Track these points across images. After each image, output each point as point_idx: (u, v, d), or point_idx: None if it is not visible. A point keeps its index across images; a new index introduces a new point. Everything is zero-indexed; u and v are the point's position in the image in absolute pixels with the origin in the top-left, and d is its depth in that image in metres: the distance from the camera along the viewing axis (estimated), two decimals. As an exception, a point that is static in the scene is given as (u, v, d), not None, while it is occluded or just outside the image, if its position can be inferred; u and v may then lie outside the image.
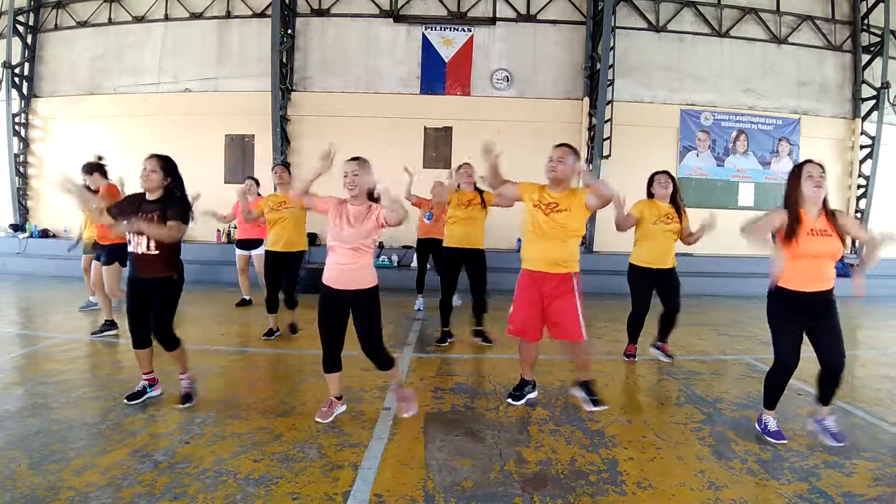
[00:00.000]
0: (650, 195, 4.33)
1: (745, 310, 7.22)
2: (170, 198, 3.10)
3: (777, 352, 2.85)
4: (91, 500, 2.13)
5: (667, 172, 4.32)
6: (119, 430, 2.81)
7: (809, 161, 2.79)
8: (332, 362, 3.00)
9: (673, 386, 3.87)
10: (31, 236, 9.82)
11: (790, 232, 2.70)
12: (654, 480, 2.43)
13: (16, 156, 10.13)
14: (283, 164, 4.94)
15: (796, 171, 2.79)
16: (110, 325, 4.86)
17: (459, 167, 4.92)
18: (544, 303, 3.19)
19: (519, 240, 9.24)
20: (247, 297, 6.60)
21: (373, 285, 2.94)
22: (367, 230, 2.86)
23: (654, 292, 4.33)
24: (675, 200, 4.25)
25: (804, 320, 2.78)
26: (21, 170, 10.25)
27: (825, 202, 2.78)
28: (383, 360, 3.02)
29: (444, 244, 4.83)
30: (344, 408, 3.14)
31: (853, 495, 2.33)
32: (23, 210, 10.28)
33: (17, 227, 10.03)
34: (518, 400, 3.38)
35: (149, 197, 3.10)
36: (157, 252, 3.05)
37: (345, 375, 3.96)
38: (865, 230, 2.93)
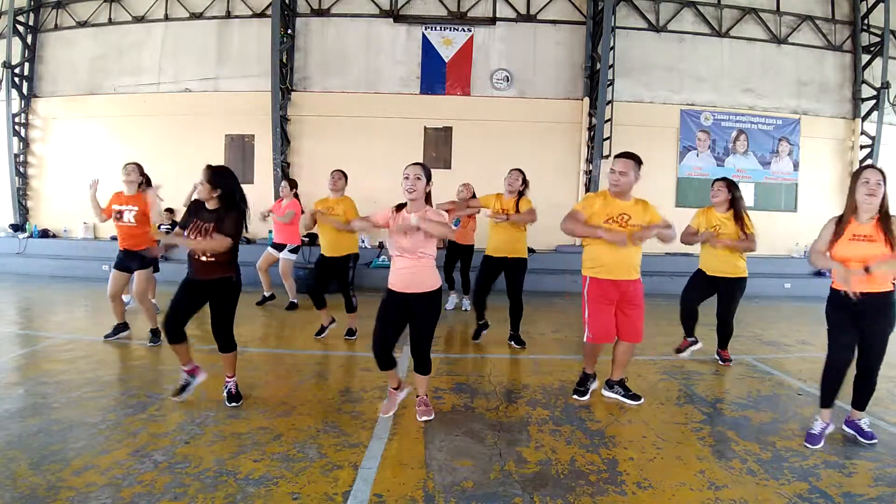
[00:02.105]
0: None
1: (745, 310, 7.19)
2: (227, 210, 3.10)
3: (828, 348, 2.88)
4: (91, 500, 2.13)
5: (723, 179, 4.27)
6: (119, 430, 2.81)
7: (869, 167, 2.80)
8: (385, 361, 3.02)
9: (673, 386, 3.87)
10: (31, 236, 9.81)
11: (834, 238, 2.77)
12: (654, 480, 2.43)
13: (16, 156, 10.11)
14: (338, 170, 4.89)
15: (855, 177, 2.79)
16: (123, 327, 4.78)
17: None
18: (618, 306, 3.32)
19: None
20: (267, 294, 6.58)
21: (433, 288, 2.95)
22: (422, 237, 2.84)
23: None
24: (736, 207, 4.16)
25: (855, 319, 2.78)
26: (21, 170, 10.23)
27: (883, 208, 2.71)
28: (425, 363, 3.05)
29: (486, 252, 4.77)
30: (405, 392, 3.20)
31: (853, 495, 2.33)
32: (23, 210, 10.27)
33: (17, 227, 10.02)
34: (584, 395, 3.46)
35: (209, 206, 3.12)
36: (213, 258, 3.11)
37: (344, 375, 3.99)
38: None
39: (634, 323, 3.35)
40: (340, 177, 4.87)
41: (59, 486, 2.22)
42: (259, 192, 8.89)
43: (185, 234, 3.12)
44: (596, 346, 3.46)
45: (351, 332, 4.95)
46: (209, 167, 3.13)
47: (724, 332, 4.43)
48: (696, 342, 4.54)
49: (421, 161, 2.99)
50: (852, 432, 2.96)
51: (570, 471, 2.50)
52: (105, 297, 4.75)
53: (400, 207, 2.96)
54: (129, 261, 4.55)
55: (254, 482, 2.31)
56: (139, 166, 4.61)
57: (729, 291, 4.28)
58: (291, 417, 3.06)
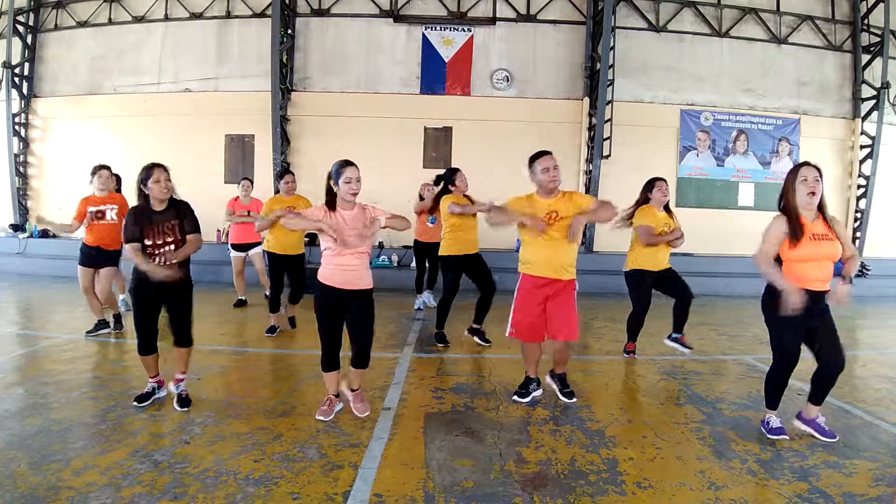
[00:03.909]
0: (646, 200, 4.36)
1: (745, 310, 7.22)
2: (178, 206, 3.12)
3: (777, 353, 2.85)
4: (91, 500, 2.13)
5: (665, 180, 4.36)
6: (119, 430, 2.81)
7: (806, 164, 2.75)
8: (332, 361, 3.04)
9: (673, 386, 3.87)
10: (31, 236, 9.79)
11: (794, 236, 2.68)
12: (654, 480, 2.43)
13: (16, 156, 10.12)
14: (289, 171, 5.17)
15: (792, 174, 2.76)
16: (103, 324, 4.88)
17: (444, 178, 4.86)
18: (546, 305, 3.27)
19: (518, 240, 9.27)
20: (242, 298, 6.59)
21: (371, 286, 3.03)
22: (372, 233, 2.94)
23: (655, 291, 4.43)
24: (668, 208, 4.38)
25: (808, 320, 2.76)
26: (21, 170, 10.24)
27: (822, 205, 2.75)
28: (367, 358, 3.08)
29: (447, 252, 4.73)
30: (341, 405, 3.15)
31: (853, 495, 2.33)
32: (23, 210, 10.27)
33: (17, 227, 10.02)
34: (524, 398, 3.41)
35: (157, 208, 3.08)
36: (174, 262, 3.08)
37: (344, 376, 3.98)
38: (849, 247, 2.85)
39: (562, 321, 3.24)
40: (293, 178, 5.15)
41: (59, 486, 2.22)
42: (259, 192, 8.89)
43: (149, 241, 3.02)
44: (529, 347, 3.40)
45: (292, 322, 5.25)
46: (163, 165, 3.07)
47: (688, 309, 4.42)
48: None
49: (351, 161, 2.97)
50: (809, 430, 2.91)
51: (570, 471, 2.50)
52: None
53: (331, 206, 2.95)
54: (100, 258, 4.75)
55: (254, 482, 2.31)
56: (111, 172, 4.85)
57: (674, 275, 4.39)
58: (291, 417, 3.05)
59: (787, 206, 2.75)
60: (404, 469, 2.48)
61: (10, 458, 2.44)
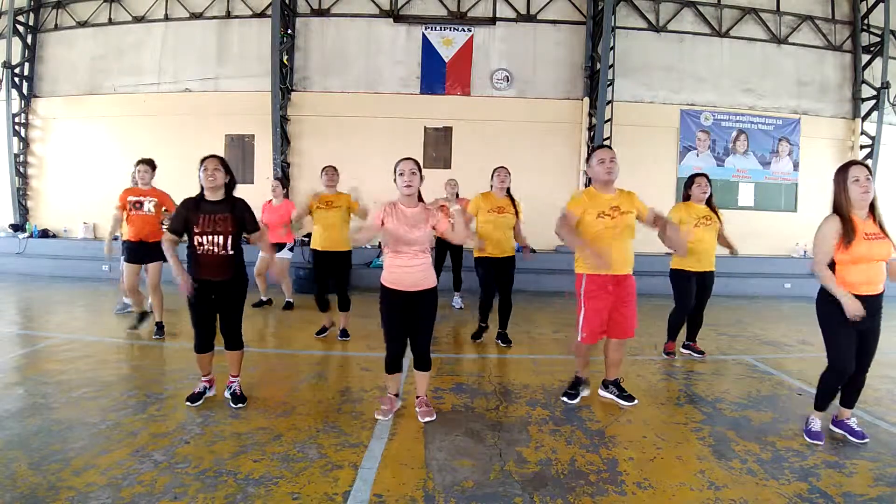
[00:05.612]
0: (686, 197, 4.41)
1: (745, 310, 7.22)
2: (235, 203, 3.14)
3: (831, 356, 2.82)
4: (91, 500, 2.13)
5: (706, 175, 4.38)
6: (119, 430, 2.81)
7: (854, 163, 2.74)
8: (398, 363, 3.06)
9: (673, 386, 3.87)
10: (31, 236, 9.80)
11: (847, 237, 2.66)
12: (654, 480, 2.43)
13: (16, 156, 10.11)
14: (332, 166, 4.87)
15: (842, 175, 2.74)
16: (146, 315, 4.97)
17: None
18: (613, 304, 3.26)
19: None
20: (265, 298, 6.51)
21: (435, 284, 3.02)
22: (429, 233, 2.92)
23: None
24: (710, 203, 4.37)
25: (859, 324, 2.73)
26: (21, 170, 10.23)
27: (873, 205, 2.74)
28: (429, 359, 3.08)
29: (477, 254, 4.66)
30: (400, 403, 3.21)
31: (853, 495, 2.33)
32: (23, 210, 10.26)
33: (17, 227, 10.02)
34: (574, 399, 3.42)
35: (210, 197, 3.09)
36: (232, 252, 3.11)
37: (344, 376, 3.99)
38: None
39: (629, 319, 3.30)
40: (335, 172, 4.85)
41: (59, 486, 2.22)
42: (259, 193, 8.89)
43: (197, 228, 3.03)
44: (587, 348, 3.41)
45: (344, 333, 4.90)
46: (216, 156, 3.12)
47: (701, 316, 4.54)
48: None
49: (412, 157, 2.98)
50: (842, 432, 2.95)
51: (570, 471, 2.50)
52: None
53: (395, 204, 2.94)
54: (143, 252, 4.77)
55: (254, 482, 2.31)
56: (151, 165, 4.98)
57: (711, 283, 4.45)
58: (291, 417, 3.06)
59: (838, 207, 2.74)
60: (404, 469, 2.48)
61: (10, 458, 2.44)
